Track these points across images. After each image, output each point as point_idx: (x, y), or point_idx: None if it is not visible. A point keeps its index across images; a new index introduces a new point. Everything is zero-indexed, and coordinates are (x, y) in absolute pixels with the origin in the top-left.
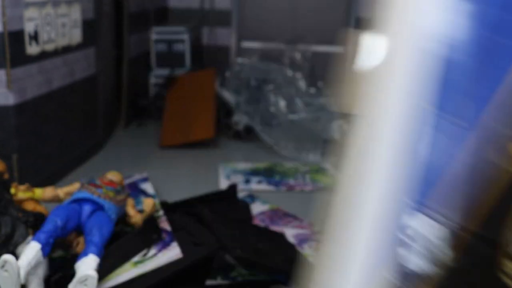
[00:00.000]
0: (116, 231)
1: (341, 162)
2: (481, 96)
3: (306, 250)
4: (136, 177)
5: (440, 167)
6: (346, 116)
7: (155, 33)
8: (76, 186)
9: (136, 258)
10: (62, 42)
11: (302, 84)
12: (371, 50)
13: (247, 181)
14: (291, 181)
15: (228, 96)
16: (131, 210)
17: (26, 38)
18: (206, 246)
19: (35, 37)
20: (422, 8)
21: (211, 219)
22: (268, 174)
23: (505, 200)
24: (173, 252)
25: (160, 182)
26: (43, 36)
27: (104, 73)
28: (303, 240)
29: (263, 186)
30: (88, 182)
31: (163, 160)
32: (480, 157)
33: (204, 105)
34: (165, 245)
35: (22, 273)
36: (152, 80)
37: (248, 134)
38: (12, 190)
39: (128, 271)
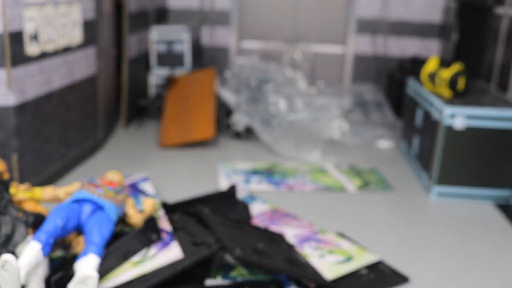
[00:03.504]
0: (116, 231)
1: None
2: None
3: (306, 250)
4: (136, 177)
5: None
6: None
7: (155, 33)
8: (76, 186)
9: (136, 258)
10: (62, 42)
11: (302, 84)
12: None
13: (247, 181)
14: (291, 181)
15: (228, 96)
16: (131, 210)
17: (26, 38)
18: (206, 246)
19: (35, 37)
20: None
21: (211, 219)
22: (268, 174)
23: None
24: (173, 252)
25: (160, 182)
26: (43, 36)
27: (104, 73)
28: (303, 240)
29: (263, 186)
30: (88, 182)
31: (163, 160)
32: None
33: (204, 105)
34: (165, 245)
35: (22, 273)
36: (152, 80)
37: (248, 134)
38: (12, 190)
39: (128, 271)
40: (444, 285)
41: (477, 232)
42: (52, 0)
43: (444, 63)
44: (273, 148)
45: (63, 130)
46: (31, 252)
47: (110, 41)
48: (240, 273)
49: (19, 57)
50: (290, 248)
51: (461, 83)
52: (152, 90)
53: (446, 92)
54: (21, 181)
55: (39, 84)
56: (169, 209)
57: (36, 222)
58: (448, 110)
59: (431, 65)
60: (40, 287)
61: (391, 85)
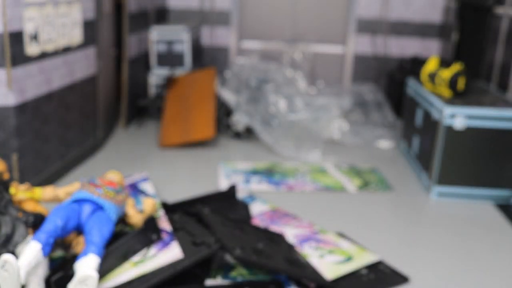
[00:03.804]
0: (116, 231)
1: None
2: None
3: (306, 250)
4: (136, 177)
5: None
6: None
7: (155, 33)
8: (76, 186)
9: (136, 258)
10: (62, 42)
11: (302, 84)
12: None
13: (247, 181)
14: (291, 181)
15: (228, 96)
16: (131, 210)
17: (26, 38)
18: (206, 246)
19: (35, 37)
20: None
21: (211, 219)
22: (268, 174)
23: None
24: (173, 252)
25: (160, 182)
26: (43, 36)
27: (104, 73)
28: (303, 240)
29: (263, 186)
30: (88, 182)
31: (163, 160)
32: None
33: (204, 105)
34: (165, 245)
35: (22, 273)
36: (152, 80)
37: (248, 134)
38: (12, 190)
39: (128, 271)
40: (444, 285)
41: (477, 232)
42: (52, 0)
43: (444, 63)
44: (273, 148)
45: (63, 130)
46: (31, 252)
47: (110, 41)
48: (240, 273)
49: (19, 57)
50: (290, 248)
51: (461, 83)
52: (152, 90)
53: (446, 92)
54: (21, 181)
55: (39, 84)
56: (169, 209)
57: (36, 222)
58: (448, 110)
59: (431, 65)
60: (40, 287)
61: (391, 85)
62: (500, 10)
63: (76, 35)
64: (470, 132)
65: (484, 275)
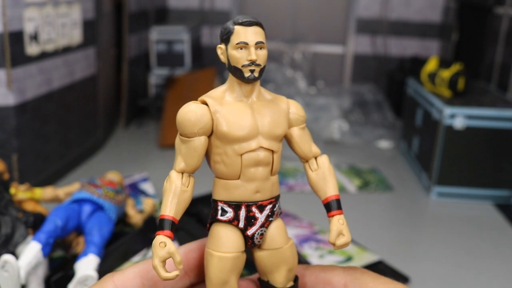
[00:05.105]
0: (116, 231)
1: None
2: None
3: (306, 250)
4: (136, 177)
5: None
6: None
7: (155, 33)
8: (76, 186)
9: (136, 258)
10: (62, 42)
11: (302, 84)
12: None
13: None
14: (291, 181)
15: None
16: (131, 210)
17: (26, 38)
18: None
19: (35, 37)
20: None
21: None
22: None
23: None
24: None
25: (160, 182)
26: (43, 36)
27: (104, 73)
28: (303, 240)
29: None
30: (88, 182)
31: (163, 160)
32: None
33: None
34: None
35: (22, 273)
36: (152, 80)
37: None
38: (12, 190)
39: None
40: (444, 285)
41: (477, 232)
42: (52, 0)
43: (444, 63)
44: None
45: (63, 130)
46: (31, 252)
47: (110, 41)
48: None
49: (19, 57)
50: None
51: (461, 83)
52: (152, 90)
53: (446, 92)
54: (21, 181)
55: (39, 84)
56: None
57: (36, 222)
58: (448, 110)
59: (431, 65)
60: (40, 287)
61: (391, 85)
62: (500, 10)
63: (76, 35)
64: (470, 132)
65: (484, 275)
